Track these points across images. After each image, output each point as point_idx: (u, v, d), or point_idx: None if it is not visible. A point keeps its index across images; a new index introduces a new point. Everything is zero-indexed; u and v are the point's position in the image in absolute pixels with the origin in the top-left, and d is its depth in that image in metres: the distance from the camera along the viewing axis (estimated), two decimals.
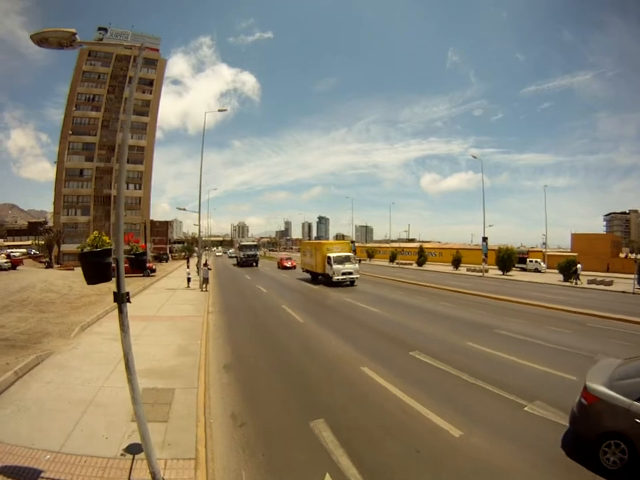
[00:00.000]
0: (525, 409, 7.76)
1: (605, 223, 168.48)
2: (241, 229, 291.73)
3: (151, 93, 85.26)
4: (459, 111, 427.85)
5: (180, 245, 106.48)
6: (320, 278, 33.88)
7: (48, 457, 5.51)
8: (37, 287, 24.67)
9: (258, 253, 62.43)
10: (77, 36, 4.63)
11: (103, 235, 4.84)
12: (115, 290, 4.64)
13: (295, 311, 19.29)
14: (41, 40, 4.63)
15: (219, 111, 39.76)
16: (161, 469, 5.05)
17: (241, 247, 60.89)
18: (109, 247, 4.77)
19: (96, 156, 78.80)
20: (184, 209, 42.26)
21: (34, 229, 79.71)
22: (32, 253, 73.86)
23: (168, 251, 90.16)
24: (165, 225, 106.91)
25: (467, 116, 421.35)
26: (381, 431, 6.87)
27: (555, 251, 64.49)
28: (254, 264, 57.70)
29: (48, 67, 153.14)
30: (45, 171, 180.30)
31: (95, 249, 4.66)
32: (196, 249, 52.52)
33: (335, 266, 30.40)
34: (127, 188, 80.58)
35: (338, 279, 30.23)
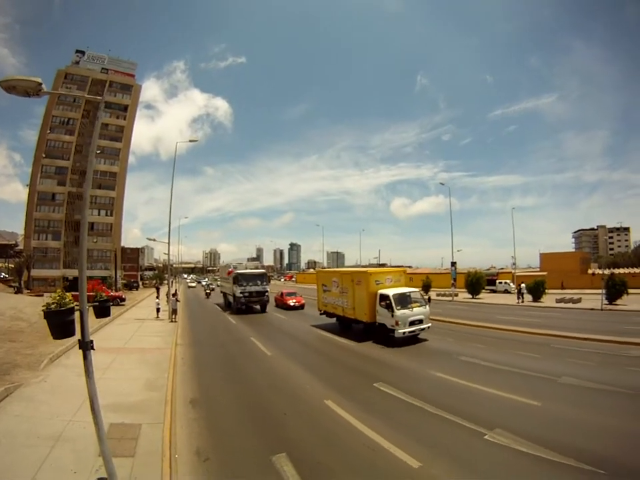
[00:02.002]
0: (486, 437, 8.01)
1: (573, 239, 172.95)
2: (213, 256, 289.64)
3: (124, 119, 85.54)
4: (428, 136, 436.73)
5: (151, 273, 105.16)
6: (353, 326, 22.66)
7: None
8: (6, 315, 24.36)
9: (268, 289, 35.10)
10: (42, 85, 5.01)
11: (66, 294, 5.16)
12: (80, 338, 4.93)
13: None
14: (8, 87, 4.95)
15: (190, 141, 40.54)
16: None
17: (238, 279, 33.31)
18: (71, 306, 5.07)
19: (68, 180, 78.22)
20: (154, 239, 42.52)
21: (4, 251, 77.94)
22: (1, 276, 72.39)
23: (139, 278, 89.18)
24: (136, 252, 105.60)
25: (435, 141, 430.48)
26: (341, 463, 7.15)
27: (524, 271, 66.05)
28: (260, 307, 34.28)
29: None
30: (16, 192, 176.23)
31: (59, 308, 4.96)
32: (166, 276, 52.00)
33: (399, 312, 18.14)
34: (98, 214, 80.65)
35: (405, 334, 18.12)
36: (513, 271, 58.14)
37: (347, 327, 23.02)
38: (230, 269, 35.76)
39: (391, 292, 18.94)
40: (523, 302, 37.55)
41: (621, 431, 8.16)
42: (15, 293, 52.29)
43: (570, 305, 34.38)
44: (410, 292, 19.91)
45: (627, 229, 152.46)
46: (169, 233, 34.87)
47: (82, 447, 7.14)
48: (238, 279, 33.33)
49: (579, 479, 6.29)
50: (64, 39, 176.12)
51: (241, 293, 32.82)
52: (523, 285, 39.33)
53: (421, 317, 18.92)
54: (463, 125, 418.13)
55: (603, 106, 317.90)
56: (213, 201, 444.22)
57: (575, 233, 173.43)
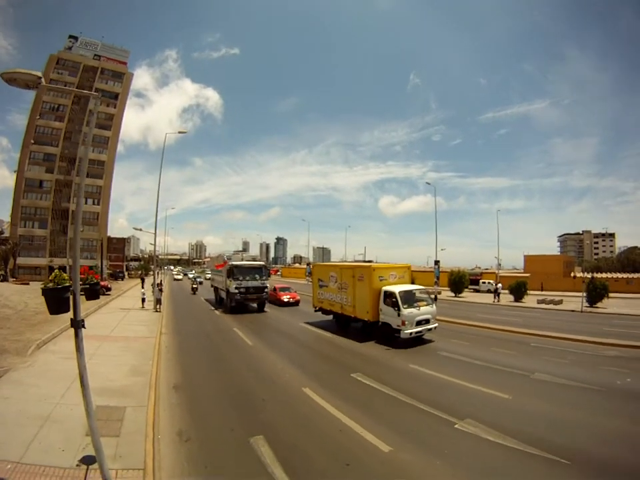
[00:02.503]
0: (456, 426, 8.48)
1: (559, 243, 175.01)
2: (199, 248, 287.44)
3: (115, 107, 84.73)
4: (419, 135, 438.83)
5: (136, 263, 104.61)
6: (352, 325, 21.21)
7: (9, 466, 5.98)
8: None
9: (268, 285, 30.35)
10: (41, 79, 5.31)
11: (63, 274, 5.52)
12: (72, 317, 5.26)
13: None
14: (9, 79, 5.26)
15: (180, 132, 39.79)
16: (113, 478, 5.63)
17: (234, 271, 28.22)
18: (67, 284, 5.41)
19: (56, 168, 77.42)
20: (140, 229, 42.36)
21: None
22: None
23: (124, 269, 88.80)
24: (122, 242, 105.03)
25: (425, 141, 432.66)
26: (314, 445, 7.60)
27: (508, 272, 66.98)
28: (258, 306, 29.65)
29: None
30: (2, 178, 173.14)
31: (56, 286, 5.31)
32: (152, 267, 51.44)
33: (406, 310, 16.85)
34: (86, 203, 79.57)
35: (411, 334, 16.83)
36: (497, 272, 58.91)
37: (344, 325, 21.53)
38: (223, 260, 30.56)
39: (397, 289, 17.64)
40: (499, 301, 38.44)
41: (586, 424, 8.62)
42: (1, 281, 52.01)
43: (551, 307, 35.06)
44: (417, 289, 18.85)
45: (612, 235, 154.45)
46: (156, 222, 34.21)
47: (70, 427, 7.47)
48: (233, 272, 27.89)
49: (543, 468, 6.69)
50: (56, 24, 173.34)
51: (236, 288, 27.57)
52: (499, 285, 40.45)
53: (428, 316, 17.70)
54: (453, 125, 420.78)
55: (593, 114, 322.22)
56: (200, 192, 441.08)
57: (560, 236, 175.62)
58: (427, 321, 17.57)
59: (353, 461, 6.94)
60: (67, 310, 5.51)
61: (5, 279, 53.76)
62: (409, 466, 6.82)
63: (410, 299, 17.53)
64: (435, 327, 18.21)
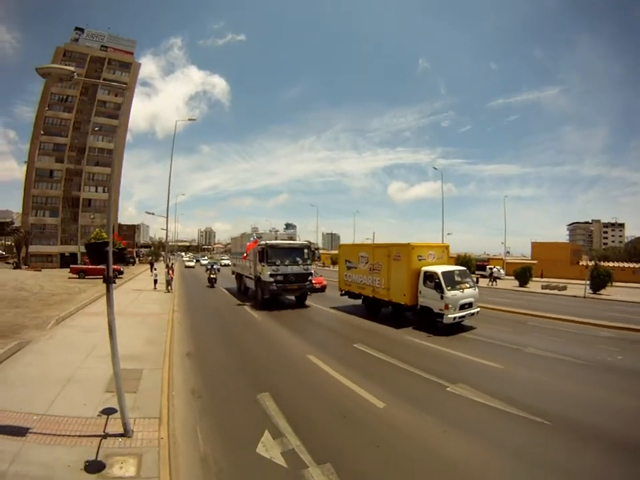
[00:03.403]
0: (447, 389, 9.14)
1: (567, 232, 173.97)
2: (208, 234, 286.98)
3: (123, 96, 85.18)
4: (428, 121, 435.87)
5: (147, 249, 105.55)
6: (384, 310, 19.77)
7: (35, 417, 6.64)
8: (9, 286, 25.32)
9: (312, 271, 24.00)
10: (75, 74, 5.93)
11: (102, 232, 6.32)
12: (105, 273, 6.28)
13: None
14: (44, 74, 5.96)
15: (189, 120, 40.04)
16: (131, 424, 6.31)
17: (268, 254, 21.75)
18: (106, 240, 6.30)
19: (66, 157, 78.23)
20: (152, 213, 42.64)
21: (0, 228, 78.62)
22: None
23: (135, 255, 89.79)
24: (132, 229, 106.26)
25: (435, 127, 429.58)
26: (316, 401, 8.32)
27: (515, 259, 67.16)
28: (297, 299, 23.58)
29: (20, 64, 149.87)
30: (10, 170, 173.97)
31: (97, 241, 6.11)
32: (163, 253, 51.52)
33: (450, 293, 15.56)
34: (96, 191, 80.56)
35: (454, 319, 15.62)
36: (504, 258, 59.38)
37: (375, 310, 19.97)
38: (251, 240, 23.71)
39: (439, 269, 16.31)
40: (494, 285, 39.02)
41: (572, 393, 9.15)
42: (14, 268, 53.16)
43: (555, 292, 35.45)
44: (459, 270, 17.43)
45: (621, 225, 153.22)
46: (168, 207, 34.51)
47: (90, 386, 8.17)
48: (267, 254, 21.56)
49: (526, 426, 7.25)
50: (60, 15, 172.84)
51: (271, 275, 21.32)
52: (495, 269, 40.82)
53: (471, 299, 16.50)
54: (463, 112, 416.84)
55: (605, 103, 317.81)
56: (208, 179, 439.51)
57: (569, 225, 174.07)
58: (470, 305, 16.41)
59: (349, 415, 7.61)
60: (104, 262, 6.41)
61: (18, 266, 54.90)
62: (400, 419, 7.46)
63: (453, 280, 16.21)
64: (478, 312, 16.96)
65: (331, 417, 7.53)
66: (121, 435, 6.12)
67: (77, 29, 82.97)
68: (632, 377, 10.49)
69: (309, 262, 23.08)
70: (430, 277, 16.31)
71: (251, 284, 25.43)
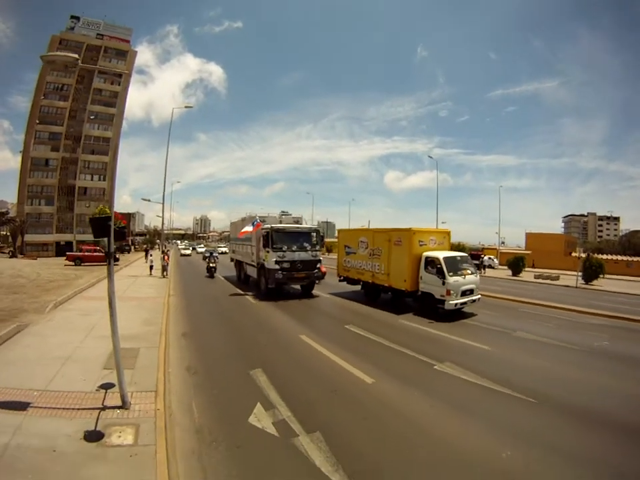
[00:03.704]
0: (435, 367, 9.50)
1: (563, 224, 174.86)
2: (203, 223, 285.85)
3: (119, 85, 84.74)
4: (425, 111, 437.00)
5: (142, 238, 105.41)
6: (383, 296, 19.77)
7: (35, 393, 6.88)
8: (6, 273, 25.61)
9: (320, 258, 21.87)
10: (79, 61, 6.13)
11: (106, 207, 6.53)
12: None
13: None
14: (49, 61, 6.19)
15: (186, 107, 40.08)
16: (129, 396, 6.57)
17: (273, 238, 19.83)
18: (109, 215, 6.65)
19: (62, 146, 77.93)
20: (149, 200, 42.07)
21: None
22: None
23: (130, 243, 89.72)
24: (128, 217, 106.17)
25: (432, 116, 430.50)
26: (307, 377, 8.69)
27: (509, 249, 67.73)
28: (304, 287, 21.87)
29: (15, 54, 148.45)
30: (4, 160, 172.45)
31: (100, 216, 6.36)
32: (158, 241, 51.15)
33: (452, 279, 15.48)
34: (92, 179, 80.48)
35: (456, 305, 15.57)
36: (498, 248, 59.95)
37: (374, 296, 19.90)
38: (254, 224, 21.32)
39: (440, 255, 16.19)
40: (483, 273, 39.10)
41: (557, 374, 9.45)
42: (10, 257, 53.27)
43: (547, 282, 35.77)
44: (461, 256, 17.37)
45: (617, 219, 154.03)
46: (164, 194, 34.65)
47: (89, 364, 8.43)
48: (272, 239, 19.69)
49: (510, 402, 7.56)
50: (55, 4, 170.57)
51: (276, 262, 19.47)
52: (486, 258, 41.11)
53: (473, 286, 16.38)
54: (461, 101, 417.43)
55: (604, 96, 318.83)
56: (204, 167, 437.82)
57: (565, 217, 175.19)
58: (472, 292, 16.32)
59: (339, 389, 7.94)
60: (106, 235, 6.62)
61: (14, 255, 55.03)
62: (388, 394, 7.78)
63: (455, 266, 16.11)
64: (479, 299, 16.93)
65: (321, 391, 7.85)
66: (119, 407, 6.38)
67: (72, 17, 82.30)
68: (615, 360, 10.82)
69: (317, 248, 21.21)
70: (431, 262, 16.18)
71: (252, 272, 23.44)
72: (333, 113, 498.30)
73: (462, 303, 15.74)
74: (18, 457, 4.96)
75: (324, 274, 25.86)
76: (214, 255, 32.59)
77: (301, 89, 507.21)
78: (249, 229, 21.34)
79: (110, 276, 6.65)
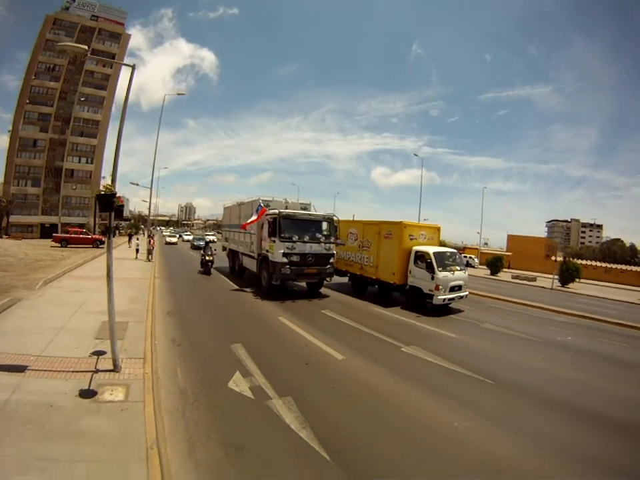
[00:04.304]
0: (402, 349, 10.34)
1: (546, 228, 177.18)
2: (188, 210, 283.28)
3: (111, 67, 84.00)
4: (416, 109, 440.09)
5: (127, 222, 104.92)
6: (370, 289, 19.94)
7: (32, 358, 7.44)
8: None
9: (334, 252, 18.59)
10: (88, 51, 6.74)
11: (111, 186, 7.08)
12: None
13: None
14: (60, 51, 6.79)
15: (178, 94, 40.07)
16: (120, 361, 7.20)
17: (281, 226, 16.83)
18: (114, 192, 7.18)
19: (51, 127, 77.27)
20: (137, 184, 41.69)
21: None
22: None
23: (115, 227, 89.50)
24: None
25: (423, 115, 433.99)
26: (283, 351, 9.47)
27: (490, 249, 69.05)
28: (313, 286, 19.24)
29: (5, 32, 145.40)
30: None
31: (107, 192, 7.07)
32: (142, 226, 50.76)
33: (441, 274, 15.63)
34: (79, 161, 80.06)
35: (444, 300, 15.77)
36: (479, 248, 61.26)
37: (362, 288, 19.93)
38: (258, 211, 18.07)
39: (431, 249, 16.21)
40: None
41: (516, 360, 10.34)
42: None
43: (525, 282, 37.00)
44: (450, 252, 17.41)
45: (599, 226, 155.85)
46: (152, 179, 34.54)
47: (81, 335, 9.01)
48: (280, 227, 16.83)
49: (469, 382, 8.33)
50: None
51: (284, 255, 16.69)
52: (464, 256, 42.30)
53: (461, 282, 16.55)
54: (452, 102, 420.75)
55: (596, 104, 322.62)
56: (192, 154, 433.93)
57: (548, 222, 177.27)
58: (460, 288, 16.46)
59: (311, 362, 8.75)
60: (110, 210, 7.27)
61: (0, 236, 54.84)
62: (356, 369, 8.56)
63: (444, 261, 16.19)
64: (467, 295, 17.27)
65: (295, 364, 8.62)
66: (111, 371, 7.01)
67: None
68: (574, 353, 11.74)
69: (331, 239, 18.27)
70: (421, 256, 16.27)
71: (250, 264, 20.70)
72: (324, 105, 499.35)
73: (450, 299, 15.94)
74: (18, 410, 5.55)
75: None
76: (208, 245, 26.43)
77: (294, 80, 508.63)
78: (254, 217, 18.07)
79: (109, 249, 7.39)
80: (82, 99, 78.93)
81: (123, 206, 8.22)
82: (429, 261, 15.77)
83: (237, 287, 19.35)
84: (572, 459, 5.51)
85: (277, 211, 17.38)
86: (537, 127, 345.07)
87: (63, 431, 5.10)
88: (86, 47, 6.72)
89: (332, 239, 18.23)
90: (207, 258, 24.01)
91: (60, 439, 4.90)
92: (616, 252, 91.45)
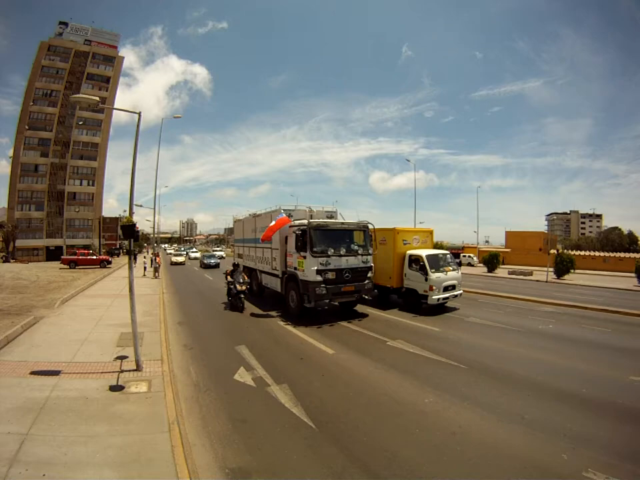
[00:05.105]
0: (387, 343, 11.53)
1: (546, 222, 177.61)
2: (190, 226, 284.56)
3: (107, 90, 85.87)
4: (410, 112, 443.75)
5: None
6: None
7: (64, 364, 8.73)
8: (7, 276, 27.19)
9: (371, 264, 16.26)
10: (99, 102, 7.99)
11: (130, 218, 8.35)
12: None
13: None
14: (75, 102, 8.05)
15: (175, 117, 41.12)
16: (141, 361, 8.46)
17: (311, 239, 14.57)
18: (134, 222, 8.55)
19: (51, 152, 79.01)
20: (140, 205, 43.11)
21: None
22: None
23: (118, 247, 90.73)
24: (115, 221, 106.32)
25: (417, 117, 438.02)
26: (280, 349, 10.83)
27: (489, 247, 70.02)
28: (351, 303, 16.51)
29: None
30: None
31: (128, 224, 8.42)
32: (145, 245, 51.29)
33: (434, 275, 16.34)
34: (80, 184, 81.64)
35: (439, 300, 16.38)
36: (477, 246, 62.27)
37: None
38: (278, 219, 15.96)
39: (423, 253, 16.97)
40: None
41: (493, 348, 11.30)
42: (3, 262, 54.49)
43: (521, 277, 37.81)
44: (443, 254, 18.22)
45: (599, 216, 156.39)
46: (155, 198, 35.29)
47: (103, 344, 10.34)
48: (311, 240, 14.64)
49: (446, 367, 9.44)
50: (40, 4, 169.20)
51: (318, 272, 14.49)
52: (462, 256, 43.87)
53: (455, 282, 17.34)
54: (446, 102, 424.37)
55: (588, 95, 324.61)
56: (190, 170, 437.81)
57: (548, 215, 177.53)
58: (454, 287, 17.26)
59: (305, 357, 10.08)
60: (133, 237, 8.61)
61: (7, 260, 56.22)
62: (345, 360, 9.86)
63: (437, 263, 16.95)
64: (461, 294, 17.92)
65: (291, 358, 9.99)
66: (134, 370, 8.31)
67: (60, 23, 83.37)
68: (551, 338, 12.59)
69: (368, 249, 16.21)
70: (415, 260, 16.98)
71: (271, 283, 18.75)
72: (319, 114, 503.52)
73: (444, 298, 16.70)
74: (59, 403, 6.78)
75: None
76: (239, 268, 19.09)
77: (286, 91, 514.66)
78: (270, 224, 16.08)
79: (130, 267, 8.73)
80: (80, 123, 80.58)
81: (138, 231, 9.52)
82: (422, 263, 16.59)
83: (260, 311, 17.02)
84: (521, 424, 6.52)
85: (305, 221, 15.23)
86: (532, 121, 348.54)
87: (99, 415, 6.35)
88: (98, 99, 7.94)
89: (369, 250, 16.27)
90: (239, 287, 17.12)
91: (98, 421, 6.14)
92: (614, 240, 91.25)
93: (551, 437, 6.01)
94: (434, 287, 16.27)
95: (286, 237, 16.36)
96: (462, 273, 23.81)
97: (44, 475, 4.67)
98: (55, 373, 8.17)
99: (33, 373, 8.15)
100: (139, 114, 8.85)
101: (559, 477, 5.05)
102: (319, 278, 14.38)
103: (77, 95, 7.94)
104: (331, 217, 17.74)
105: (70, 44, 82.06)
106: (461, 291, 18.05)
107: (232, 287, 17.41)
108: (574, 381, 8.49)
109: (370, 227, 16.68)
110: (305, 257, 14.67)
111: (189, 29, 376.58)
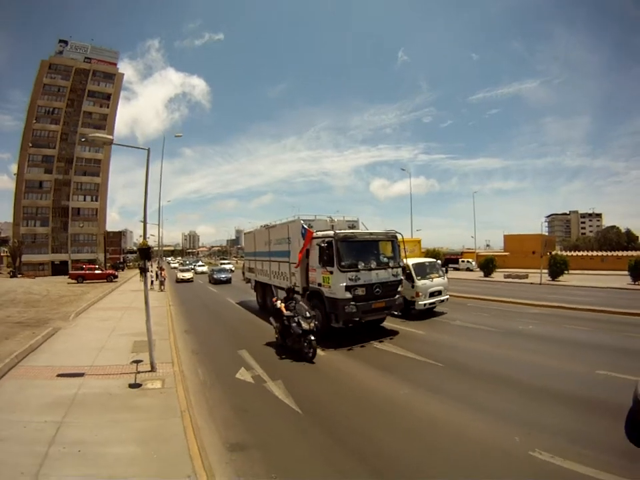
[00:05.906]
0: (374, 345, 12.70)
1: (546, 224, 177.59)
2: (192, 238, 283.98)
3: (108, 107, 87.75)
4: (409, 117, 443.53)
5: (133, 255, 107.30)
6: None
7: (86, 367, 9.93)
8: (18, 291, 28.51)
9: (401, 277, 14.95)
10: (113, 140, 9.22)
11: (145, 241, 9.54)
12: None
13: None
14: (87, 140, 9.36)
15: (176, 136, 41.62)
16: (155, 363, 9.68)
17: (339, 252, 13.03)
18: (148, 246, 9.78)
19: (55, 168, 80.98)
20: (146, 222, 43.57)
21: None
22: None
23: (122, 261, 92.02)
24: (118, 235, 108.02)
25: (416, 123, 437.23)
26: (276, 352, 12.05)
27: (488, 252, 70.73)
28: (379, 319, 15.30)
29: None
30: None
31: (144, 247, 9.66)
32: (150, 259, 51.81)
33: (420, 282, 17.07)
34: (84, 200, 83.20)
35: (425, 305, 17.06)
36: (475, 251, 63.19)
37: None
38: (304, 234, 14.61)
39: (410, 262, 17.42)
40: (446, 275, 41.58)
41: (471, 349, 12.06)
42: (11, 277, 55.83)
43: (516, 280, 38.46)
44: (429, 262, 19.30)
45: (599, 215, 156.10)
46: (159, 213, 36.56)
47: (119, 351, 11.57)
48: (339, 253, 13.13)
49: (424, 365, 10.50)
50: (37, 18, 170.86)
51: (347, 289, 12.93)
52: (438, 261, 44.20)
53: (441, 287, 18.15)
54: (444, 107, 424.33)
55: (585, 93, 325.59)
56: (191, 182, 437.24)
57: (547, 217, 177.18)
58: (440, 292, 18.03)
59: (298, 359, 11.22)
60: (147, 258, 9.91)
61: (14, 275, 57.57)
62: (335, 360, 11.15)
63: (423, 271, 17.76)
64: (447, 299, 18.64)
65: (285, 360, 11.21)
66: (149, 371, 9.54)
67: (60, 41, 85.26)
68: (528, 338, 13.12)
69: (397, 262, 14.86)
70: (402, 268, 16.05)
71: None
72: (318, 123, 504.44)
73: (431, 303, 17.52)
74: (85, 398, 7.96)
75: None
76: (299, 299, 13.18)
77: (285, 100, 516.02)
78: (302, 243, 14.72)
79: (145, 281, 10.05)
80: (82, 140, 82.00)
81: (150, 248, 10.73)
82: (408, 272, 16.95)
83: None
84: (484, 413, 7.37)
85: (331, 232, 13.88)
86: (530, 122, 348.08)
87: (122, 406, 7.56)
88: (111, 138, 9.15)
89: (399, 262, 14.93)
90: (305, 325, 11.30)
91: (121, 411, 7.35)
92: (612, 239, 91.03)
93: (508, 424, 6.75)
94: (420, 293, 17.13)
95: (307, 250, 14.69)
96: (458, 278, 24.45)
97: (79, 451, 5.82)
98: (79, 374, 9.36)
99: (59, 375, 9.34)
100: (148, 150, 9.88)
101: (507, 454, 5.80)
102: (348, 295, 12.86)
103: (93, 135, 9.08)
104: (353, 227, 16.53)
105: (70, 62, 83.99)
106: (447, 296, 18.80)
107: (292, 323, 11.72)
108: (542, 376, 9.09)
109: (399, 236, 15.47)
110: (331, 272, 13.13)
111: (185, 41, 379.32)
